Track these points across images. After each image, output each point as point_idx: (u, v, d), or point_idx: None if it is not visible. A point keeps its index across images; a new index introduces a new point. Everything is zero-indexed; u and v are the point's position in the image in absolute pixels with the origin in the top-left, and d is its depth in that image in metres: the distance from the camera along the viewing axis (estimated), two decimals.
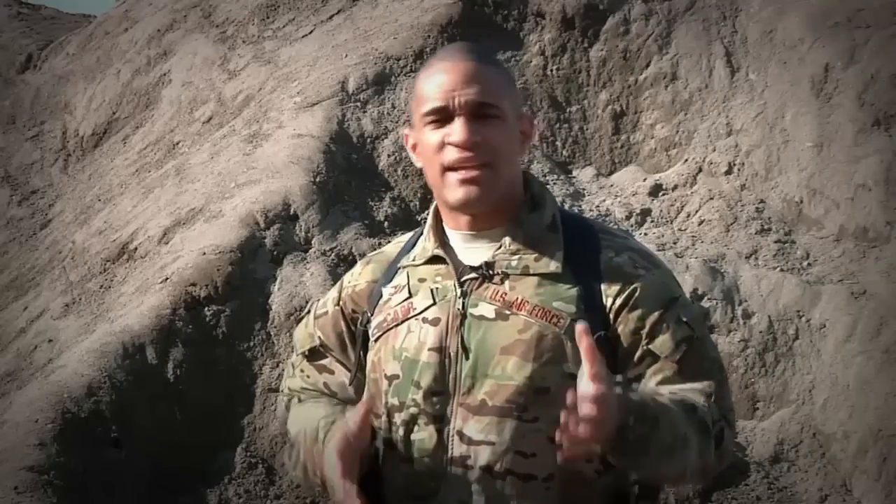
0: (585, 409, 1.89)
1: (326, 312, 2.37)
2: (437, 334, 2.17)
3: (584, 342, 1.94)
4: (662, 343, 2.13)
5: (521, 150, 2.23)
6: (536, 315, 2.13)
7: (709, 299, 6.69)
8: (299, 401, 2.39)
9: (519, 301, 2.14)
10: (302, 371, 2.40)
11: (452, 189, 2.15)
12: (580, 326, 1.96)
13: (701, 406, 2.10)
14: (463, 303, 2.17)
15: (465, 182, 2.14)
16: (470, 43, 2.32)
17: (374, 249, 2.48)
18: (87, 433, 5.83)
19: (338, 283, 2.41)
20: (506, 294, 2.15)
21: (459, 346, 2.15)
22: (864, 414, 6.23)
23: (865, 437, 6.18)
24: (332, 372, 2.36)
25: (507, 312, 2.14)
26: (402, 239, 2.38)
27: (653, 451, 2.02)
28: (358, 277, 2.35)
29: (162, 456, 5.99)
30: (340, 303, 2.34)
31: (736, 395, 6.47)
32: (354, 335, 2.32)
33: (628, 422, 1.95)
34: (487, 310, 2.15)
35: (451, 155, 2.14)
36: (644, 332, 2.13)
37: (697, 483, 2.04)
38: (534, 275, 2.16)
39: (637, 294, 2.14)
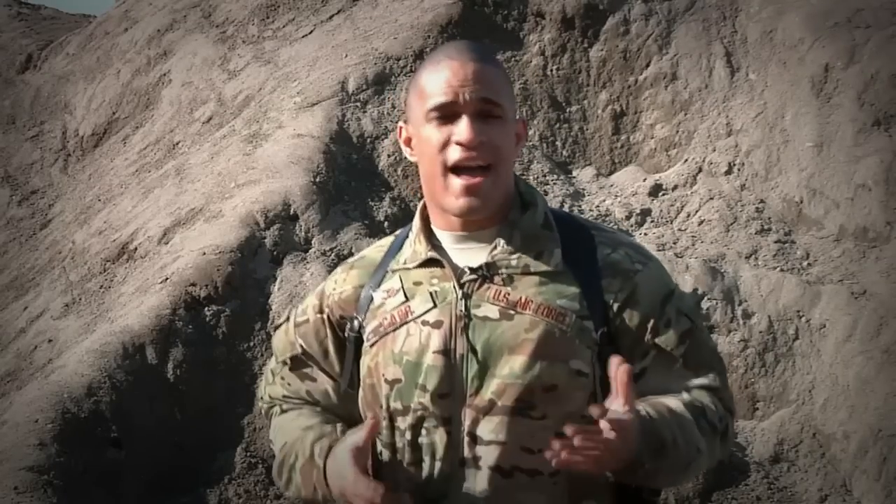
0: (608, 430, 1.96)
1: (307, 320, 2.34)
2: (441, 337, 2.17)
3: (620, 376, 2.00)
4: (667, 337, 2.18)
5: (516, 151, 2.25)
6: (542, 313, 2.15)
7: (709, 299, 6.70)
8: (281, 409, 2.39)
9: (523, 300, 2.16)
10: (283, 378, 2.38)
11: (453, 196, 2.17)
12: (615, 359, 2.03)
13: (709, 407, 2.18)
14: (465, 304, 2.17)
15: (467, 191, 2.15)
16: (472, 42, 2.33)
17: None
18: (87, 433, 5.83)
19: (316, 290, 2.39)
20: (509, 294, 2.17)
21: (467, 347, 2.16)
22: (864, 414, 6.23)
23: (865, 437, 6.18)
24: (314, 380, 2.35)
25: (512, 312, 2.16)
26: (384, 243, 2.36)
27: (662, 477, 2.13)
28: (343, 283, 2.33)
29: (162, 456, 5.99)
30: (326, 309, 2.32)
31: (736, 395, 6.47)
32: (341, 342, 2.31)
33: (643, 458, 2.04)
34: (491, 310, 2.16)
35: (456, 154, 2.15)
36: (649, 326, 2.18)
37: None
38: (534, 273, 2.18)
39: (638, 289, 2.19)
